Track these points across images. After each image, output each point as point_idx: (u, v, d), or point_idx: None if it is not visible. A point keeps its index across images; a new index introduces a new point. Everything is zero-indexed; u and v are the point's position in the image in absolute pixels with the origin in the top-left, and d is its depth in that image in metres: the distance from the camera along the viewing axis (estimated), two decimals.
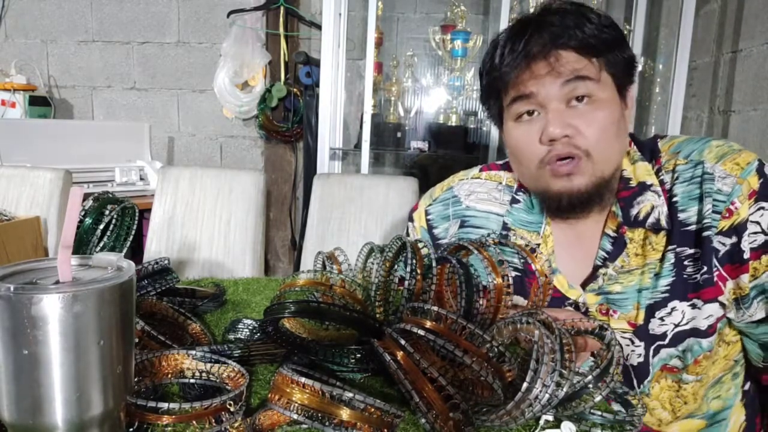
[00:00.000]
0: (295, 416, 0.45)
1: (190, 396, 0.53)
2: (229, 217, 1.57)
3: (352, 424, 0.44)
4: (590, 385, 0.51)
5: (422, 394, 0.47)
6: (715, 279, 0.71)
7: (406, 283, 0.62)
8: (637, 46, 2.03)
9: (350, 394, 0.44)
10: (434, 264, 0.65)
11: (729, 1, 1.89)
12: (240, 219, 1.57)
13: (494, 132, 2.01)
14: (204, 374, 0.53)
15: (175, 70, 2.67)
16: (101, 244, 0.94)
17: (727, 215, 0.69)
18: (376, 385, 0.60)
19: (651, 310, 0.74)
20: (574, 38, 0.70)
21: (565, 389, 0.47)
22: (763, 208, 0.68)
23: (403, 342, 0.49)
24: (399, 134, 2.24)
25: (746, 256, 0.69)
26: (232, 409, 0.46)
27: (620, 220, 0.76)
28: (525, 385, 0.47)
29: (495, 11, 2.32)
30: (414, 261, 0.63)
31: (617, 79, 0.73)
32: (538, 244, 0.81)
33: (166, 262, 0.77)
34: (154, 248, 1.56)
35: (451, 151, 2.19)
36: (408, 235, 0.95)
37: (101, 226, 0.94)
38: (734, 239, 0.69)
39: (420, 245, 0.67)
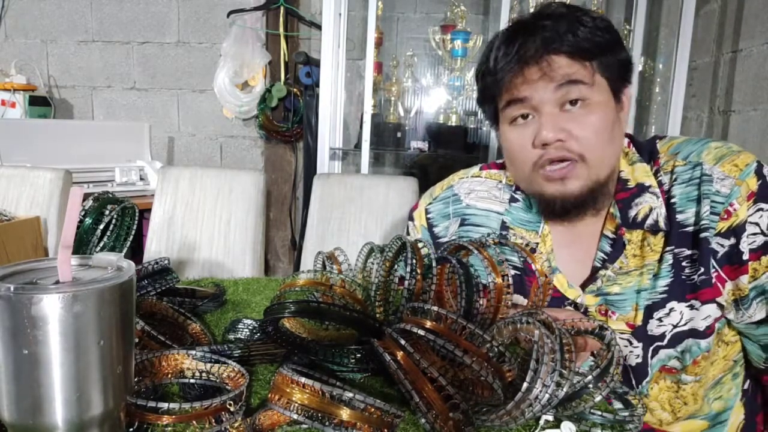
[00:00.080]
0: (295, 416, 0.45)
1: (190, 396, 0.53)
2: (229, 217, 1.57)
3: (352, 424, 0.44)
4: (590, 385, 0.51)
5: (422, 394, 0.47)
6: (714, 280, 0.71)
7: (406, 282, 0.62)
8: (637, 46, 2.03)
9: (350, 394, 0.44)
10: (434, 264, 0.65)
11: (729, 1, 1.89)
12: (240, 219, 1.57)
13: (494, 132, 2.01)
14: (204, 374, 0.53)
15: (175, 70, 2.67)
16: (101, 244, 0.94)
17: (726, 217, 0.69)
18: (376, 385, 0.60)
19: (649, 311, 0.74)
20: (566, 43, 0.70)
21: (565, 389, 0.47)
22: (761, 209, 0.68)
23: (403, 342, 0.49)
24: (399, 134, 2.24)
25: (745, 257, 0.69)
26: (232, 409, 0.46)
27: (618, 221, 0.76)
28: (525, 385, 0.47)
29: (495, 11, 2.32)
30: (414, 261, 0.63)
31: (612, 82, 0.73)
32: (537, 243, 0.81)
33: (166, 262, 0.77)
34: (154, 248, 1.56)
35: (451, 151, 2.19)
36: (408, 234, 0.95)
37: (101, 226, 0.94)
38: (733, 240, 0.69)
39: (420, 245, 0.67)
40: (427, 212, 0.92)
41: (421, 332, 0.50)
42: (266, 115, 2.52)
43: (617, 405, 0.56)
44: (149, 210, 1.59)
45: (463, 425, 0.47)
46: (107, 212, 0.96)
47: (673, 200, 0.74)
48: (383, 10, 2.36)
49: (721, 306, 0.72)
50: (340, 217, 1.54)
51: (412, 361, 0.48)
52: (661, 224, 0.73)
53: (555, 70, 0.70)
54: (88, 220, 0.93)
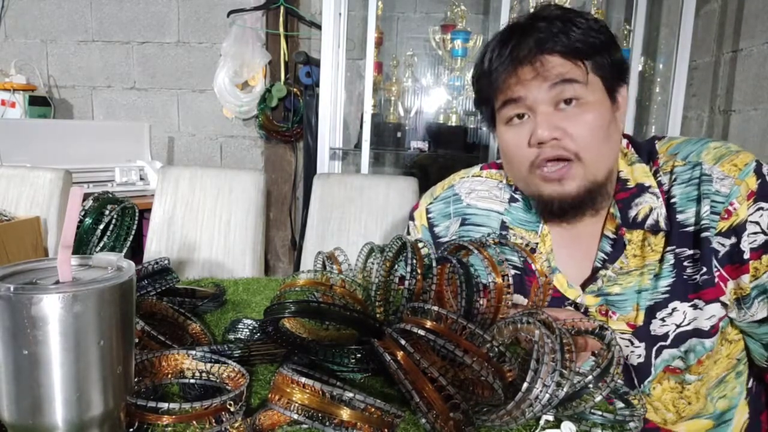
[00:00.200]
0: (296, 416, 0.45)
1: (190, 396, 0.53)
2: (229, 217, 1.57)
3: (352, 424, 0.44)
4: (590, 385, 0.51)
5: (422, 394, 0.47)
6: (716, 280, 0.71)
7: (407, 282, 0.62)
8: (637, 46, 2.02)
9: (350, 394, 0.44)
10: (434, 264, 0.65)
11: (729, 0, 1.89)
12: (240, 219, 1.57)
13: (491, 134, 2.01)
14: (204, 374, 0.53)
15: (175, 70, 2.67)
16: (101, 244, 0.94)
17: (726, 216, 0.69)
18: (376, 385, 0.60)
19: (652, 311, 0.74)
20: (559, 43, 0.70)
21: (565, 389, 0.47)
22: (762, 208, 0.68)
23: (403, 342, 0.49)
24: (399, 134, 2.24)
25: (746, 256, 0.69)
26: (232, 409, 0.46)
27: (619, 221, 0.76)
28: (525, 385, 0.47)
29: (495, 11, 2.32)
30: (414, 261, 0.63)
31: (606, 81, 0.73)
32: (537, 243, 0.81)
33: (166, 262, 0.77)
34: (154, 248, 1.56)
35: (451, 150, 2.19)
36: (409, 233, 0.95)
37: (101, 226, 0.94)
38: (733, 240, 0.70)
39: (420, 245, 0.67)
40: (427, 212, 0.92)
41: (422, 332, 0.50)
42: (266, 115, 2.52)
43: (619, 405, 0.56)
44: (149, 210, 1.59)
45: (464, 425, 0.47)
46: (107, 212, 0.96)
47: (673, 200, 0.74)
48: (383, 10, 2.36)
49: (724, 305, 0.73)
50: (340, 217, 1.54)
51: (413, 361, 0.48)
52: (662, 224, 0.73)
53: (548, 70, 0.71)
54: (88, 220, 0.93)
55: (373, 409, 0.45)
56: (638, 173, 0.77)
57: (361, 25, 2.41)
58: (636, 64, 2.03)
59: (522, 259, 0.81)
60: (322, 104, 2.07)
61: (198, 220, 1.57)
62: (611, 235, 0.77)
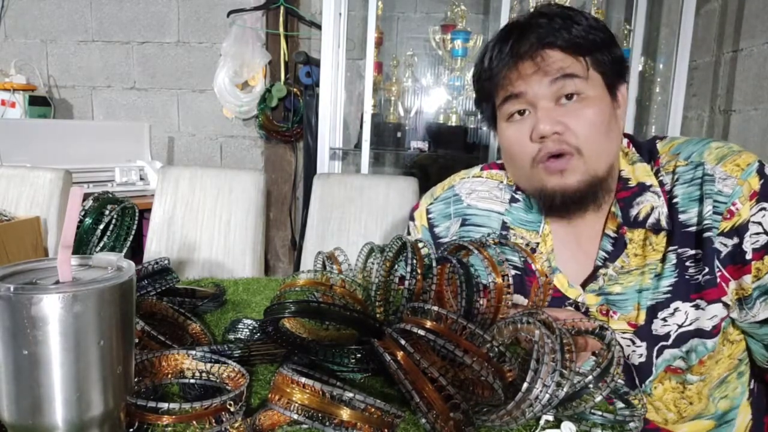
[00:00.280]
0: (296, 416, 0.45)
1: (190, 396, 0.53)
2: (229, 217, 1.57)
3: (352, 424, 0.44)
4: (591, 385, 0.51)
5: (422, 394, 0.47)
6: (718, 280, 0.71)
7: (407, 282, 0.62)
8: (637, 46, 2.02)
9: (350, 394, 0.44)
10: (434, 264, 0.65)
11: (729, 0, 1.89)
12: (240, 219, 1.57)
13: (492, 133, 2.01)
14: (204, 374, 0.53)
15: (175, 70, 2.66)
16: (101, 244, 0.94)
17: (728, 216, 0.69)
18: (376, 385, 0.60)
19: (653, 311, 0.74)
20: (560, 38, 0.71)
21: (565, 389, 0.47)
22: (764, 208, 0.68)
23: (403, 342, 0.49)
24: (399, 134, 2.24)
25: (748, 256, 0.69)
26: (232, 409, 0.46)
27: (620, 220, 0.76)
28: (525, 385, 0.47)
29: (495, 11, 2.32)
30: (414, 261, 0.63)
31: (606, 78, 0.74)
32: (538, 243, 0.81)
33: (166, 262, 0.77)
34: (154, 248, 1.56)
35: (451, 151, 2.19)
36: (409, 233, 0.95)
37: (101, 226, 0.94)
38: (736, 240, 0.70)
39: (420, 245, 0.67)
40: (428, 212, 0.92)
41: (422, 332, 0.50)
42: (266, 115, 2.52)
43: (619, 405, 0.56)
44: (149, 210, 1.59)
45: (464, 425, 0.47)
46: (107, 212, 0.96)
47: (675, 200, 0.74)
48: (383, 10, 2.36)
49: (726, 305, 0.72)
50: (340, 217, 1.54)
51: (413, 361, 0.48)
52: (663, 223, 0.73)
53: (549, 65, 0.71)
54: (88, 220, 0.93)
55: (373, 409, 0.45)
56: (639, 172, 0.77)
57: (361, 25, 2.41)
58: (636, 64, 2.02)
59: (522, 259, 0.81)
60: (322, 104, 2.07)
61: (198, 220, 1.57)
62: (612, 234, 0.77)
